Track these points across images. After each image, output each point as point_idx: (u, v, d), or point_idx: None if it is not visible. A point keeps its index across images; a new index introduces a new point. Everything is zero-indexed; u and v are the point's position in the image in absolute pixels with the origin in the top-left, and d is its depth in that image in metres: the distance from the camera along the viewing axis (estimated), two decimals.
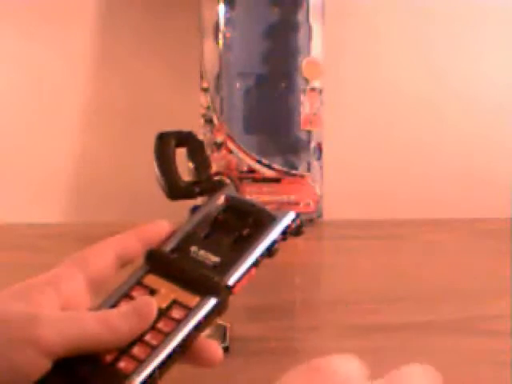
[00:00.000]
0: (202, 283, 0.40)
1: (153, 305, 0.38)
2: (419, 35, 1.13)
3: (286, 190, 1.06)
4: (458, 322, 0.69)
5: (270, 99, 1.06)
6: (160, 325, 0.38)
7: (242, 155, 1.04)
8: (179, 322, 0.38)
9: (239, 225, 0.44)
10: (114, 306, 0.39)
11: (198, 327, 0.39)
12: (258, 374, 0.58)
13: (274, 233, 0.43)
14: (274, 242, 0.43)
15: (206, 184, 0.48)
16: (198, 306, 0.39)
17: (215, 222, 0.44)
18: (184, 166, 0.51)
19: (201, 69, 1.04)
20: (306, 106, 1.06)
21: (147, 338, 0.37)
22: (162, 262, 0.41)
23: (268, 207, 0.45)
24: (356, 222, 1.07)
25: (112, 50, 1.12)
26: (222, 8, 1.02)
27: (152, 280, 0.40)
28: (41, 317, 0.35)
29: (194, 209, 0.46)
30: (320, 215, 1.08)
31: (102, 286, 0.41)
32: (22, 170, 1.13)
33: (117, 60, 1.12)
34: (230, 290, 0.40)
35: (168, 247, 0.42)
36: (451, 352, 0.61)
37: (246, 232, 0.43)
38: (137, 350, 0.36)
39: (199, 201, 0.47)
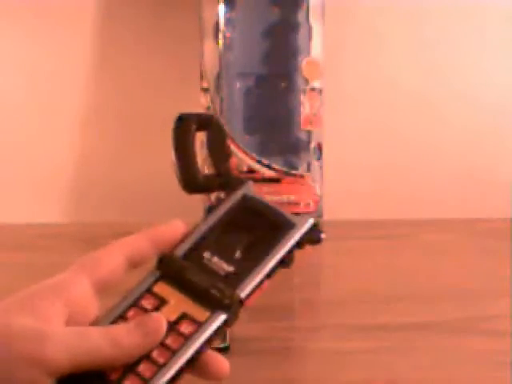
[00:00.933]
0: (214, 297, 0.38)
1: (162, 323, 0.37)
2: (419, 35, 1.13)
3: (286, 190, 1.06)
4: (458, 322, 0.69)
5: (270, 99, 1.06)
6: (168, 341, 0.37)
7: (241, 155, 1.04)
8: (188, 339, 0.37)
9: (256, 228, 0.42)
10: (122, 315, 0.38)
11: (207, 343, 0.37)
12: (258, 374, 0.58)
13: (292, 241, 0.41)
14: (291, 251, 0.41)
15: (225, 179, 0.45)
16: (208, 322, 0.38)
17: (231, 223, 0.42)
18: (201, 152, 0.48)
19: (201, 69, 1.04)
20: (306, 106, 1.06)
21: (154, 354, 0.36)
22: (173, 270, 0.40)
23: (287, 211, 0.43)
24: (356, 222, 1.07)
25: (112, 49, 1.12)
26: (222, 8, 1.02)
27: (162, 289, 0.39)
28: (48, 334, 0.34)
29: (210, 208, 0.43)
30: (320, 215, 1.08)
31: (110, 288, 0.41)
32: (22, 170, 1.13)
33: (117, 60, 1.12)
34: (241, 303, 0.39)
35: (180, 251, 0.41)
36: (451, 352, 0.61)
37: (262, 237, 0.41)
38: (143, 368, 0.35)
39: (213, 199, 0.45)
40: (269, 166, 1.04)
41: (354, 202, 1.13)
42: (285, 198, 1.05)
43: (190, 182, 0.44)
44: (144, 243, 0.41)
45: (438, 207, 1.13)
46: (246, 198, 0.43)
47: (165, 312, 0.38)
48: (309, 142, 1.07)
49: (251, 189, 0.44)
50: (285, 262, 0.41)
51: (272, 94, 1.06)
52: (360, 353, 0.61)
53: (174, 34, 1.11)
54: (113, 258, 0.41)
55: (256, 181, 1.06)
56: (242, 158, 1.04)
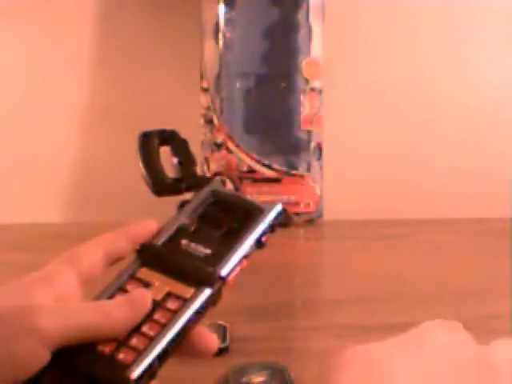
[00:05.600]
0: (196, 275, 0.40)
1: (147, 295, 0.38)
2: (418, 35, 1.13)
3: (286, 190, 1.06)
4: (458, 322, 0.69)
5: (270, 99, 1.06)
6: (157, 316, 0.38)
7: (241, 155, 1.04)
8: (175, 313, 0.38)
9: (228, 218, 0.44)
10: (108, 299, 0.39)
11: (194, 317, 0.39)
12: None
13: (263, 225, 0.43)
14: (263, 234, 0.43)
15: (191, 180, 0.48)
16: (193, 297, 0.39)
17: (204, 216, 0.44)
18: (169, 166, 0.51)
19: (201, 69, 1.04)
20: (306, 106, 1.06)
21: (145, 329, 0.37)
22: (154, 255, 0.42)
23: (255, 200, 0.45)
24: (356, 222, 1.07)
25: (112, 50, 1.12)
26: (222, 8, 1.02)
27: (145, 273, 0.41)
28: (38, 307, 0.36)
29: (182, 204, 0.45)
30: (320, 215, 1.08)
31: (91, 284, 0.42)
32: (22, 170, 1.13)
33: (117, 60, 1.12)
34: (223, 280, 0.40)
35: (159, 241, 0.42)
36: None
37: (234, 225, 0.43)
38: (135, 342, 0.37)
39: (187, 196, 0.47)
40: (269, 166, 1.04)
41: (354, 202, 1.13)
42: (285, 197, 1.06)
43: (159, 184, 0.48)
44: (122, 240, 0.43)
45: (438, 207, 1.13)
46: (215, 192, 0.46)
47: (151, 292, 0.39)
48: (309, 142, 1.07)
49: (219, 185, 0.47)
50: (260, 244, 0.43)
51: (272, 94, 1.06)
52: None
53: (174, 34, 1.11)
54: (93, 254, 0.42)
55: (256, 181, 1.06)
56: (241, 158, 1.04)
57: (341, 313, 0.72)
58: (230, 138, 1.03)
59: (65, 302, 0.38)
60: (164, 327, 0.37)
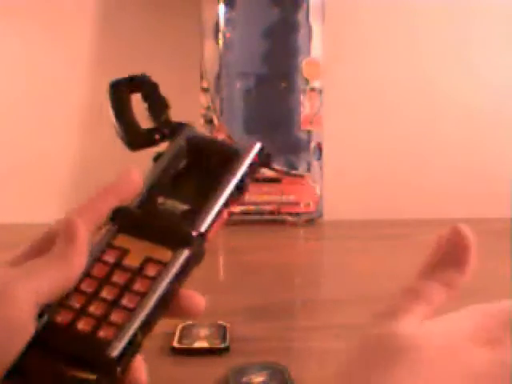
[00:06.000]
0: (173, 235, 0.38)
1: (71, 215, 0.38)
2: (419, 35, 1.13)
3: (286, 189, 1.06)
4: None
5: (270, 99, 1.06)
6: (136, 286, 0.37)
7: None
8: (154, 280, 0.37)
9: (205, 166, 0.42)
10: (86, 272, 0.37)
11: (175, 282, 0.37)
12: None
13: (242, 167, 0.41)
14: (243, 178, 0.41)
15: (165, 128, 0.44)
16: (172, 260, 0.37)
17: (180, 167, 0.42)
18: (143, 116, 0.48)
19: (201, 69, 1.04)
20: (306, 106, 1.06)
21: (124, 302, 0.36)
22: (129, 220, 0.39)
23: (231, 142, 0.43)
24: (356, 222, 1.07)
25: (112, 49, 1.12)
26: (222, 8, 1.02)
27: (123, 240, 0.39)
28: (10, 274, 0.36)
29: (157, 157, 0.42)
30: (320, 215, 1.08)
31: None
32: (22, 170, 1.13)
33: (117, 60, 1.12)
34: (203, 236, 0.39)
35: (134, 202, 0.40)
36: None
37: (212, 172, 0.41)
38: (115, 317, 0.35)
39: (161, 148, 0.45)
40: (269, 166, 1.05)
41: (354, 202, 1.13)
42: (285, 197, 1.06)
43: (133, 138, 0.45)
44: (112, 202, 0.41)
45: (438, 207, 1.13)
46: (190, 139, 0.43)
47: (128, 260, 0.38)
48: (309, 142, 1.07)
49: (194, 129, 0.44)
50: (240, 190, 0.41)
51: (272, 94, 1.06)
52: None
53: (174, 34, 1.11)
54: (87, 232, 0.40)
55: (256, 181, 1.06)
56: None
57: (341, 313, 0.72)
58: (230, 137, 1.03)
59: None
60: (143, 297, 0.36)
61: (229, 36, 1.03)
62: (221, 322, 0.64)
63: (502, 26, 1.13)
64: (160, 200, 0.40)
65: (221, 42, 1.03)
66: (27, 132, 1.13)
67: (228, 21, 1.03)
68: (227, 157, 0.41)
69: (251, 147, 0.42)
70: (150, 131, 0.45)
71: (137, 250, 0.38)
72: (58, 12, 1.11)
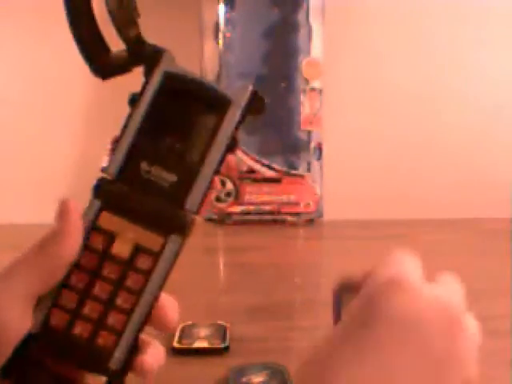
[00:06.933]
0: (163, 219, 0.34)
1: (64, 201, 0.35)
2: (418, 35, 1.13)
3: (286, 189, 1.06)
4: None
5: (270, 99, 1.06)
6: (128, 282, 0.34)
7: (241, 155, 1.04)
8: (147, 274, 0.34)
9: (189, 115, 0.35)
10: (76, 263, 0.35)
11: (167, 275, 0.34)
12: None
13: (233, 121, 0.35)
14: (234, 132, 0.35)
15: (138, 48, 0.38)
16: (164, 251, 0.34)
17: (160, 116, 0.36)
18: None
19: (201, 69, 1.04)
20: (306, 106, 1.06)
21: (119, 302, 0.34)
22: (114, 196, 0.35)
23: (216, 85, 0.36)
24: (356, 222, 1.07)
25: (112, 49, 1.12)
26: (222, 8, 1.02)
27: (108, 220, 0.35)
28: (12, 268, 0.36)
29: (133, 99, 0.36)
30: (320, 215, 1.08)
31: None
32: (22, 171, 1.13)
33: None
34: (194, 214, 0.35)
35: (115, 167, 0.35)
36: None
37: (198, 125, 0.35)
38: (112, 320, 0.34)
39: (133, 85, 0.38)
40: (269, 166, 1.04)
41: (354, 202, 1.13)
42: (285, 197, 1.06)
43: (101, 66, 0.38)
44: None
45: (439, 207, 1.13)
46: (168, 78, 0.36)
47: (117, 248, 0.34)
48: (309, 142, 1.07)
49: (171, 61, 0.38)
50: (231, 147, 0.35)
51: (272, 94, 1.06)
52: None
53: (174, 34, 1.11)
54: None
55: (256, 181, 1.06)
56: (241, 158, 1.04)
57: None
58: None
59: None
60: (138, 296, 0.34)
61: (229, 36, 1.03)
62: (221, 322, 0.64)
63: (502, 25, 1.13)
64: (143, 166, 0.35)
65: (221, 42, 1.03)
66: (27, 133, 1.13)
67: (228, 21, 1.03)
68: (215, 104, 0.35)
69: (243, 92, 0.36)
70: (120, 56, 0.38)
71: (124, 235, 0.35)
72: (57, 12, 1.11)
